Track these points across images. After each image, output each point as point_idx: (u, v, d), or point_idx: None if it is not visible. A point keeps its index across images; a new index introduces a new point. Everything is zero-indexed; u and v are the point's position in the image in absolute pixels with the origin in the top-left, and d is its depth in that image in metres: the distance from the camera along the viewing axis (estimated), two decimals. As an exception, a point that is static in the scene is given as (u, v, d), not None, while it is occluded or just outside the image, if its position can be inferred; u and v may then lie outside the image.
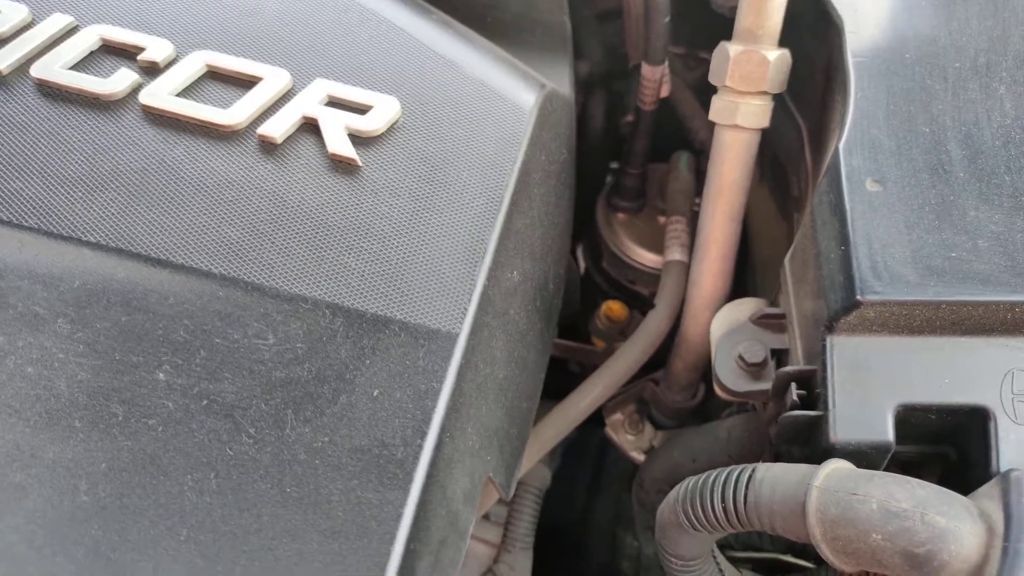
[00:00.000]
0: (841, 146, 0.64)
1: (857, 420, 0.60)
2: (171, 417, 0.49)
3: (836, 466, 0.57)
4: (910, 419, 0.60)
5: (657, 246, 0.98)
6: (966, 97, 0.66)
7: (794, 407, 0.63)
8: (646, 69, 0.84)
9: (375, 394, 0.50)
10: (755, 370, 0.73)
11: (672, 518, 0.64)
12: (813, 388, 0.64)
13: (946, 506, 0.51)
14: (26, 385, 0.49)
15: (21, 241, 0.53)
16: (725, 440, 0.79)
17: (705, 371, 0.91)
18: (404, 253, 0.55)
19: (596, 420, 1.00)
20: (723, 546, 0.89)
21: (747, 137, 0.75)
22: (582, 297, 1.07)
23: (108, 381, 0.50)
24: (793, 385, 0.64)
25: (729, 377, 0.73)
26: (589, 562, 1.02)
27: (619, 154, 1.00)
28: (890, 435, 0.60)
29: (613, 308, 1.00)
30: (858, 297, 0.58)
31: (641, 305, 1.03)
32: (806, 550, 0.85)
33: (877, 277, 0.59)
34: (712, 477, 0.62)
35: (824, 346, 0.61)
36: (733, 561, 0.79)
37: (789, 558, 0.86)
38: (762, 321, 0.74)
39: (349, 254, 0.54)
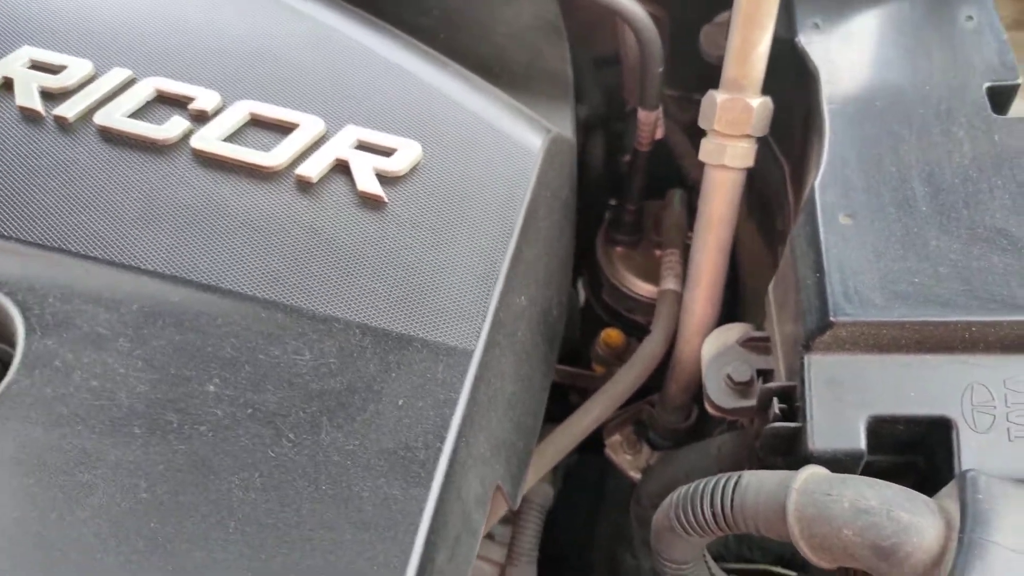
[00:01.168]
0: (817, 184, 0.71)
1: (832, 430, 0.66)
2: (220, 424, 0.55)
3: (813, 471, 0.63)
4: (881, 430, 0.66)
5: (653, 278, 1.04)
6: (929, 140, 0.73)
7: (776, 419, 0.69)
8: (642, 114, 0.92)
9: (400, 403, 0.56)
10: (742, 388, 0.79)
11: (666, 523, 0.70)
12: (793, 402, 0.70)
13: (909, 503, 0.57)
14: (91, 397, 0.56)
15: (87, 270, 0.60)
16: (716, 456, 0.85)
17: (697, 393, 0.97)
18: (425, 279, 0.62)
19: (596, 448, 1.06)
20: (717, 558, 0.94)
21: (734, 176, 0.82)
22: (583, 325, 1.14)
23: (164, 393, 0.56)
24: (775, 400, 0.70)
25: (718, 395, 0.79)
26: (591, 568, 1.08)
27: (617, 191, 1.07)
28: (862, 444, 0.66)
29: (611, 335, 1.06)
30: (831, 318, 0.65)
31: (638, 333, 1.09)
32: (793, 560, 0.90)
33: (848, 300, 0.65)
34: (702, 484, 0.68)
35: (802, 364, 0.68)
36: (727, 572, 0.85)
37: (778, 569, 0.92)
38: (749, 344, 0.80)
39: (376, 280, 0.61)
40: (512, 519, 0.98)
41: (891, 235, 0.68)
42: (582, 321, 1.14)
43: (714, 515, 0.65)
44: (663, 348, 0.92)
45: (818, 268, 0.68)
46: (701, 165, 1.03)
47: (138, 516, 0.52)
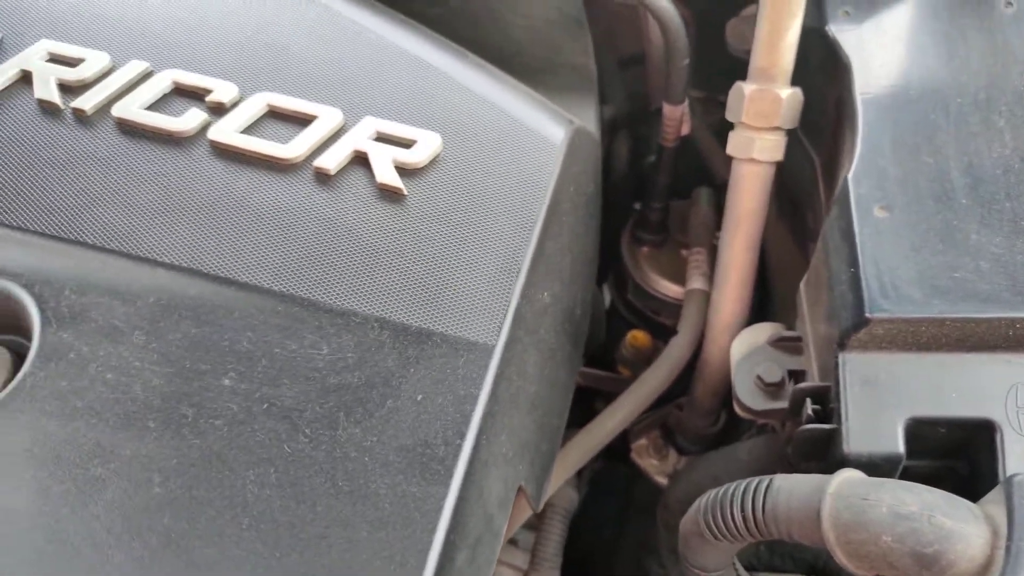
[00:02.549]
0: (850, 176, 0.69)
1: (869, 433, 0.64)
2: (235, 418, 0.54)
3: (848, 475, 0.61)
4: (920, 432, 0.64)
5: (679, 278, 1.02)
6: (968, 130, 0.70)
7: (809, 421, 0.67)
8: (667, 108, 0.90)
9: (419, 399, 0.55)
10: (773, 390, 0.76)
11: (694, 528, 0.68)
12: (828, 404, 0.67)
13: (952, 509, 0.54)
14: (106, 390, 0.55)
15: (103, 262, 0.59)
16: (745, 460, 0.82)
17: (726, 396, 0.95)
18: (445, 273, 0.60)
19: (621, 455, 1.04)
20: (748, 567, 0.91)
21: (762, 170, 0.79)
22: (609, 328, 1.12)
23: (179, 386, 0.55)
24: (808, 401, 0.68)
25: (748, 396, 0.77)
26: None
27: (642, 194, 1.05)
28: (901, 447, 0.63)
29: (638, 337, 1.04)
30: (867, 315, 0.62)
31: (665, 335, 1.06)
32: (827, 570, 0.87)
33: (885, 296, 0.63)
34: (732, 488, 0.65)
35: (837, 363, 0.65)
36: (758, 584, 0.82)
37: (811, 579, 0.88)
38: (779, 344, 0.78)
39: (395, 273, 0.60)
40: (535, 524, 0.96)
41: (929, 228, 0.66)
42: (607, 324, 1.12)
43: (744, 520, 0.63)
44: (690, 349, 0.90)
45: (853, 263, 0.65)
46: (728, 162, 1.00)
47: (151, 511, 0.51)
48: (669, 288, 1.03)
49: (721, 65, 0.93)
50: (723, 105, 0.81)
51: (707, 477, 0.85)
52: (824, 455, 0.67)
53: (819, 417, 0.67)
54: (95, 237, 0.60)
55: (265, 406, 0.54)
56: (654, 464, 0.99)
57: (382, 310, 0.58)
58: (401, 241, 0.61)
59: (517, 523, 0.81)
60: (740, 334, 0.82)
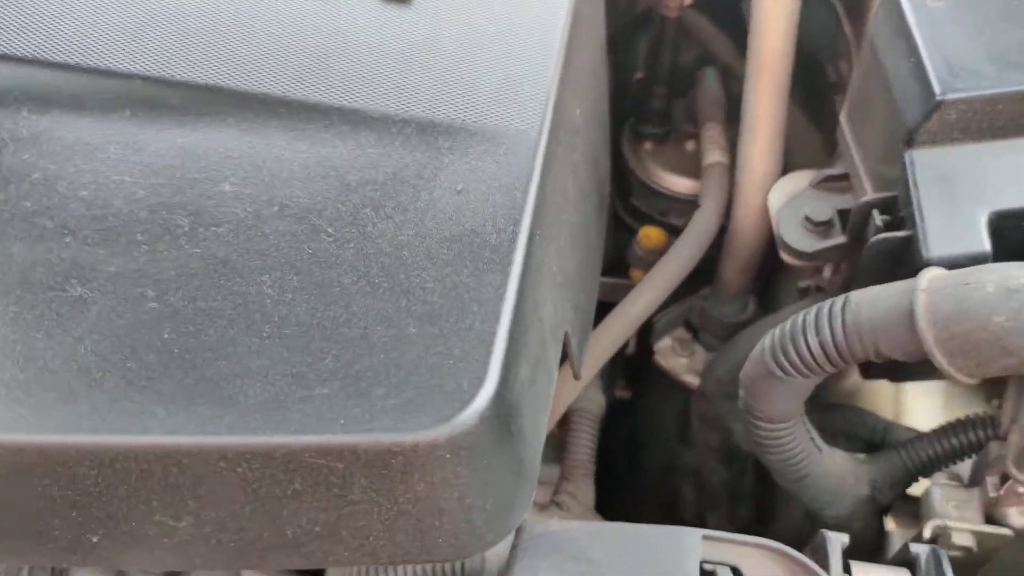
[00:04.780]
0: (895, -28, 0.63)
1: (950, 233, 0.58)
2: (242, 223, 0.45)
3: (937, 272, 0.54)
4: (1004, 227, 0.58)
5: (689, 171, 0.95)
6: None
7: (878, 232, 0.60)
8: (670, -31, 0.84)
9: (458, 188, 0.47)
10: (823, 229, 0.70)
11: (761, 370, 0.60)
12: (896, 213, 0.61)
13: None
14: (80, 207, 0.46)
15: (67, 79, 0.50)
16: (796, 322, 0.75)
17: (756, 276, 0.88)
18: (469, 66, 0.52)
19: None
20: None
21: (789, 3, 0.73)
22: (614, 242, 1.04)
23: (169, 196, 0.46)
24: (875, 211, 0.61)
25: (797, 239, 0.70)
26: (646, 490, 0.97)
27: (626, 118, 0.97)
28: (986, 244, 0.57)
29: (651, 235, 0.97)
30: (938, 97, 0.56)
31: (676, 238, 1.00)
32: (885, 441, 0.80)
33: (955, 76, 0.57)
34: (802, 315, 0.58)
35: (905, 163, 0.59)
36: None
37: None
38: (824, 184, 0.71)
39: (413, 71, 0.52)
40: (561, 435, 0.87)
41: (989, 10, 0.60)
42: (612, 236, 1.05)
43: (822, 344, 0.56)
44: (717, 221, 0.83)
45: (912, 52, 0.59)
46: (730, 44, 0.95)
47: (146, 328, 0.42)
48: (678, 183, 0.96)
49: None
50: None
51: (754, 347, 0.77)
52: (898, 269, 0.60)
53: (889, 227, 0.60)
54: (56, 53, 0.51)
55: (276, 209, 0.46)
56: (683, 363, 0.91)
57: (402, 107, 0.50)
58: (414, 40, 0.53)
59: (560, 398, 0.73)
60: (776, 184, 0.76)
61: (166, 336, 0.41)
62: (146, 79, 0.50)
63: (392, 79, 0.51)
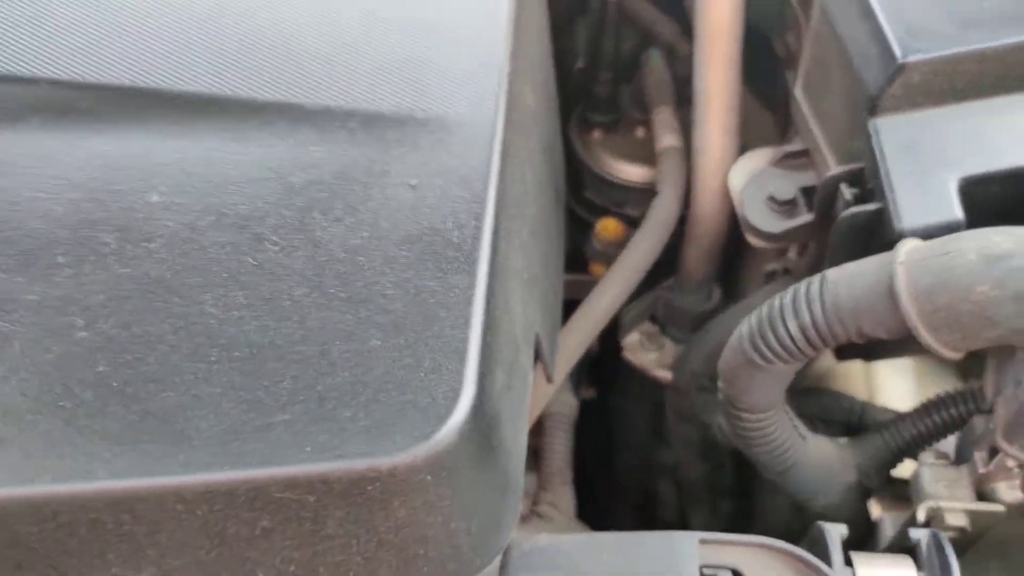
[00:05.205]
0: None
1: (922, 202, 0.56)
2: (175, 237, 0.40)
3: (913, 243, 0.52)
4: (974, 193, 0.56)
5: (642, 159, 0.92)
6: None
7: (847, 207, 0.58)
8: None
9: (413, 183, 0.43)
10: (788, 208, 0.67)
11: (739, 358, 0.57)
12: (864, 185, 0.59)
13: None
14: (-11, 231, 0.40)
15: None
16: (764, 304, 0.73)
17: (720, 264, 0.86)
18: (412, 51, 0.48)
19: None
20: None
21: (734, -26, 0.71)
22: (569, 239, 1.01)
23: (91, 212, 0.41)
24: (843, 185, 0.59)
25: (762, 220, 0.67)
26: (621, 491, 0.94)
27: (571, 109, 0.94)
28: (958, 212, 0.55)
29: (609, 227, 0.94)
30: (900, 60, 0.54)
31: (635, 228, 0.97)
32: (861, 424, 0.78)
33: (915, 37, 0.55)
34: (779, 299, 0.56)
35: (869, 133, 0.57)
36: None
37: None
38: (785, 162, 0.69)
39: (350, 59, 0.47)
40: (534, 442, 0.83)
41: (943, -31, 0.58)
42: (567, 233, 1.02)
43: (802, 328, 0.53)
44: (677, 206, 0.80)
45: (867, 14, 0.57)
46: (672, 24, 0.92)
47: (79, 361, 0.37)
48: (632, 172, 0.93)
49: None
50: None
51: (726, 336, 0.75)
52: (870, 243, 0.58)
53: (858, 200, 0.58)
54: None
55: (212, 218, 0.41)
56: (652, 357, 0.88)
57: (344, 99, 0.46)
58: (351, 26, 0.49)
59: (533, 403, 0.69)
60: (736, 163, 0.73)
61: (101, 369, 0.37)
62: (53, 83, 0.45)
63: (330, 69, 0.47)
